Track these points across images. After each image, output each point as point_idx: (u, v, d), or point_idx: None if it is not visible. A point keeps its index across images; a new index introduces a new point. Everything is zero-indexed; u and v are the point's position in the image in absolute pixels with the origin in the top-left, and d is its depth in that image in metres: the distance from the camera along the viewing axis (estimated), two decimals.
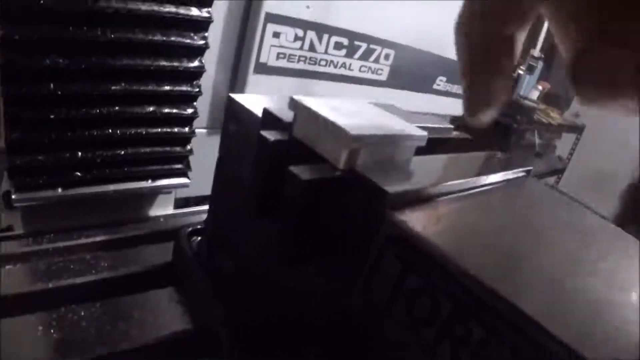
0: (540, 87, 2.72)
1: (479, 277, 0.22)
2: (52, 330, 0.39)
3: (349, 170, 0.27)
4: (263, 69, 0.75)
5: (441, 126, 0.48)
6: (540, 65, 2.73)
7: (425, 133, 0.32)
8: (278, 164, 0.30)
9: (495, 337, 0.23)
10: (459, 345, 0.24)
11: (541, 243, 0.30)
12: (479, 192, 0.35)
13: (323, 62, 0.83)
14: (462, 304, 0.23)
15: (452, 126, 0.51)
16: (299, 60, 0.79)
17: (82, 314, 0.41)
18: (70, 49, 0.47)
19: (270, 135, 0.30)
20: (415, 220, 0.25)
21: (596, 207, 3.25)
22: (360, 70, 0.90)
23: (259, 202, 0.31)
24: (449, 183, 0.30)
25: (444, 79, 1.12)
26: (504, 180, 0.41)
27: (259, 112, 0.36)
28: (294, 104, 0.30)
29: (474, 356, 0.22)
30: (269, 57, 0.74)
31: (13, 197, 0.50)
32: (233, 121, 0.39)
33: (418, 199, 0.27)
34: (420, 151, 0.38)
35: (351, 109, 0.31)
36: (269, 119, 0.34)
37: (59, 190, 0.53)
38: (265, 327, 0.34)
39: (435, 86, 1.11)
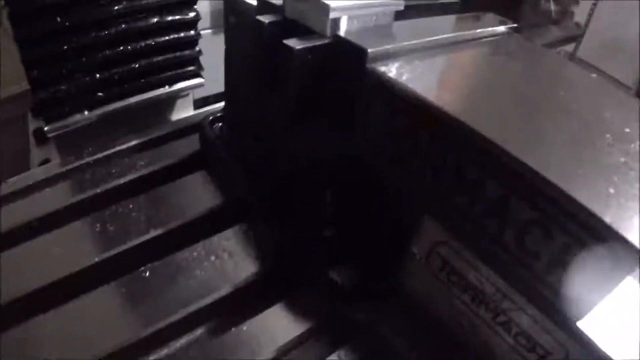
0: None
1: (448, 110, 0.27)
2: (108, 225, 0.47)
3: (334, 36, 0.32)
4: None
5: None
6: None
7: None
8: (275, 42, 0.34)
9: (464, 159, 0.28)
10: (439, 171, 0.29)
11: (515, 87, 0.35)
12: (459, 46, 0.39)
13: None
14: (437, 135, 0.29)
15: None
16: None
17: (131, 206, 0.48)
18: None
19: (265, 18, 0.35)
20: (395, 71, 0.30)
21: (616, 75, 3.18)
22: None
23: (263, 77, 0.36)
24: (424, 40, 0.34)
25: None
26: (487, 37, 0.44)
27: (254, 1, 0.40)
28: None
29: (452, 175, 0.28)
30: None
31: (46, 128, 0.55)
32: (232, 13, 0.43)
33: (396, 54, 0.32)
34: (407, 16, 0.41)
35: None
36: (264, 5, 0.38)
37: (86, 112, 0.57)
38: (286, 186, 0.40)
39: None
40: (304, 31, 0.33)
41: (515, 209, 0.27)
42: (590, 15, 3.18)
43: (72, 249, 0.44)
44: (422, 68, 0.32)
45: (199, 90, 0.70)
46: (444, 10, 0.51)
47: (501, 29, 0.46)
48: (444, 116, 0.27)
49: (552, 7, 3.14)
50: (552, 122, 0.31)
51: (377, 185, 0.34)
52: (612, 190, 0.25)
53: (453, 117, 0.27)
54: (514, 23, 0.50)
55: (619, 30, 3.05)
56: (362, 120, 0.32)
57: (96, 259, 0.43)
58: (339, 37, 0.32)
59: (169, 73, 0.64)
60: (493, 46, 0.42)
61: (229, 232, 0.45)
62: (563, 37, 3.29)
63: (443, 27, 0.42)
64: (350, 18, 0.32)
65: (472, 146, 0.26)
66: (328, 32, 0.32)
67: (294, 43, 0.31)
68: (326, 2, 0.31)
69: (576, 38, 3.26)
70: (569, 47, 3.27)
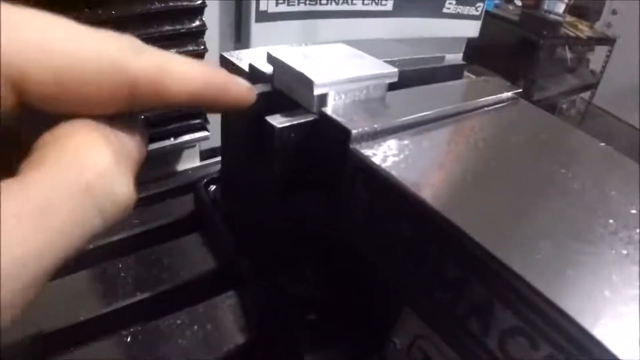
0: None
1: (431, 204, 0.25)
2: (96, 284, 0.46)
3: (319, 113, 0.31)
4: (264, 16, 0.76)
5: (430, 56, 0.50)
6: None
7: (395, 70, 0.34)
8: (264, 113, 0.33)
9: (447, 256, 0.26)
10: (420, 264, 0.27)
11: (510, 166, 0.33)
12: (455, 119, 0.37)
13: (324, 1, 0.84)
14: (419, 227, 0.27)
15: (443, 55, 0.52)
16: (299, 3, 0.80)
17: (120, 266, 0.48)
18: None
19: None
20: (379, 153, 0.28)
21: (633, 123, 3.15)
22: (363, 3, 0.90)
23: (251, 148, 0.35)
24: (418, 115, 0.33)
25: (454, 1, 1.10)
26: (489, 105, 0.43)
27: (247, 68, 0.39)
28: (270, 58, 0.33)
29: (433, 271, 0.26)
30: (268, 3, 0.76)
31: None
32: None
33: (384, 133, 0.30)
34: (410, 85, 0.40)
35: (323, 54, 0.34)
36: (255, 73, 0.37)
37: None
38: (275, 252, 0.39)
39: (445, 10, 1.09)
40: (291, 104, 0.32)
41: (499, 314, 0.24)
42: (605, 62, 3.18)
43: (58, 306, 0.43)
44: (412, 149, 0.30)
45: (207, 141, 0.70)
46: (448, 73, 0.49)
47: (505, 95, 0.45)
48: (425, 209, 0.25)
49: (568, 55, 3.15)
50: (550, 210, 0.29)
51: (360, 269, 0.32)
52: (607, 294, 0.23)
53: (435, 210, 0.25)
54: (526, 79, 0.49)
55: (635, 76, 3.04)
56: (345, 201, 0.30)
57: (81, 318, 0.41)
58: (324, 114, 0.30)
59: (175, 125, 0.65)
60: (494, 117, 0.41)
61: (215, 300, 0.44)
62: (579, 85, 3.30)
63: (441, 98, 0.40)
64: (338, 93, 0.31)
65: (455, 243, 0.24)
66: (314, 107, 0.31)
67: (276, 120, 0.29)
68: (310, 77, 0.30)
69: (592, 86, 3.26)
70: (585, 95, 3.26)
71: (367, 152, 0.28)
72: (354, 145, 0.29)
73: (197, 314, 0.43)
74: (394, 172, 0.27)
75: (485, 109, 0.42)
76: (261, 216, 0.38)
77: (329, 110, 0.31)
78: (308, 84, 0.30)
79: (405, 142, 0.31)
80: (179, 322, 0.42)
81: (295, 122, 0.30)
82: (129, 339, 0.41)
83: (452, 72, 0.50)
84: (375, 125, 0.29)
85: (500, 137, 0.37)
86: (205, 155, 0.76)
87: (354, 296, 0.34)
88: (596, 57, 3.32)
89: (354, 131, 0.28)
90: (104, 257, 0.48)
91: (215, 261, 0.47)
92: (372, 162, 0.27)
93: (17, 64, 0.18)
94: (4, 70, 0.18)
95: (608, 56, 3.17)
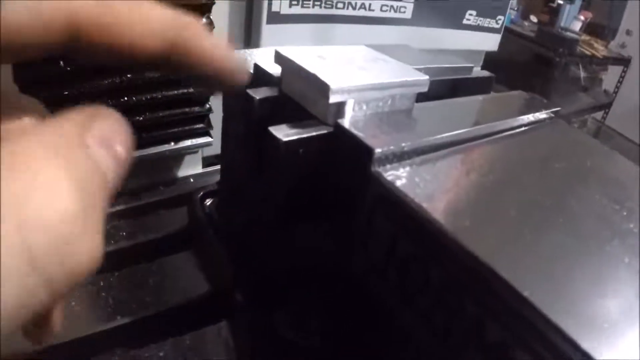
0: (582, 18, 2.57)
1: (472, 249, 0.20)
2: (72, 302, 0.40)
3: (335, 125, 0.25)
4: (277, 18, 0.72)
5: (459, 65, 0.45)
6: None
7: (426, 77, 0.29)
8: (267, 122, 0.28)
9: (488, 315, 0.21)
10: (454, 317, 0.22)
11: (557, 201, 0.28)
12: (491, 140, 0.32)
13: (340, 5, 0.79)
14: (454, 275, 0.21)
15: (471, 65, 0.47)
16: (314, 5, 0.76)
17: (101, 284, 0.42)
18: None
19: (256, 93, 0.28)
20: (407, 179, 0.23)
21: None
22: (381, 10, 0.86)
23: (251, 162, 0.29)
24: (451, 134, 0.27)
25: (474, 12, 1.06)
26: (526, 124, 0.38)
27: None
28: (279, 57, 0.28)
29: (468, 330, 0.21)
30: (281, 4, 0.71)
31: None
32: None
33: (412, 154, 0.25)
34: (436, 96, 0.35)
35: (342, 56, 0.29)
36: (260, 74, 0.32)
37: None
38: (275, 283, 0.33)
39: (465, 21, 1.05)
40: (301, 113, 0.27)
41: None
42: (620, 82, 3.12)
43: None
44: (445, 175, 0.25)
45: (210, 147, 0.66)
46: (477, 86, 0.44)
47: (542, 114, 0.40)
48: (466, 255, 0.20)
49: (581, 74, 3.10)
50: (613, 263, 0.23)
51: (375, 318, 0.26)
52: None
53: (480, 260, 0.19)
54: (554, 106, 0.44)
55: None
56: (363, 235, 0.25)
57: (47, 343, 0.35)
58: (341, 127, 0.25)
59: (176, 129, 0.60)
60: (533, 139, 0.35)
61: (204, 331, 0.38)
62: (592, 104, 3.25)
63: (474, 114, 0.35)
64: (358, 102, 0.26)
65: (500, 302, 0.19)
66: (329, 118, 0.25)
67: (281, 132, 0.24)
68: (325, 80, 0.24)
69: (605, 106, 3.21)
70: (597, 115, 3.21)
71: (392, 177, 0.23)
72: (376, 168, 0.23)
73: (183, 346, 0.37)
74: (426, 205, 0.21)
75: (522, 129, 0.37)
76: (260, 242, 0.33)
77: (346, 122, 0.25)
78: (322, 88, 0.24)
79: (438, 165, 0.25)
80: (161, 354, 0.37)
81: (304, 136, 0.24)
82: None
83: (481, 85, 0.45)
84: (403, 144, 0.24)
85: (543, 163, 0.32)
86: (207, 162, 0.71)
87: (365, 350, 0.28)
88: (608, 77, 3.26)
89: (377, 150, 0.23)
90: None
91: (207, 286, 0.41)
92: (399, 191, 0.22)
93: None
94: None
95: (622, 76, 3.11)
